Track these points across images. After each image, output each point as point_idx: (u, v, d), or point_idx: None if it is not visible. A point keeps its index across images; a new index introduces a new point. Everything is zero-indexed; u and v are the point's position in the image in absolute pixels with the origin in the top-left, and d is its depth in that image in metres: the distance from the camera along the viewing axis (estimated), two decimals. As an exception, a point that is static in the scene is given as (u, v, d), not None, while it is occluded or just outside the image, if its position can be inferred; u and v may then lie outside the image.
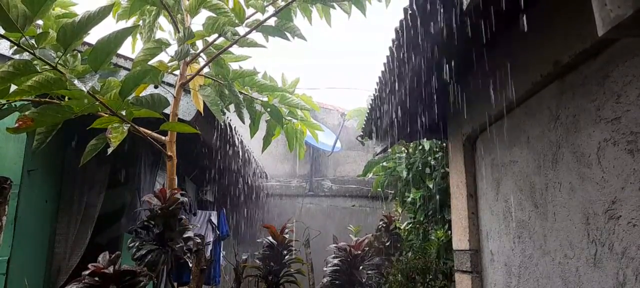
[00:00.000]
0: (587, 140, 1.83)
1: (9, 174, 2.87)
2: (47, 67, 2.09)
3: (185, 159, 4.90)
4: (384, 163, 5.26)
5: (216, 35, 2.98)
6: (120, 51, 2.46)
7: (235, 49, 3.20)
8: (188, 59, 3.15)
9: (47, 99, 2.47)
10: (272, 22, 3.00)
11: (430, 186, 4.28)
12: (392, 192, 5.57)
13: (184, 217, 2.97)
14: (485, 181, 2.95)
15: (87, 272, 2.32)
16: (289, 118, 3.75)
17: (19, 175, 3.39)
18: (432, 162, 4.48)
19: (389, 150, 4.94)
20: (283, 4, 3.00)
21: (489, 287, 2.87)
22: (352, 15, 3.21)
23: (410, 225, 4.68)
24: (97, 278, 2.29)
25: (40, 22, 2.67)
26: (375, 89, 3.42)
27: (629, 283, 1.59)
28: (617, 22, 1.06)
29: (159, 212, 2.83)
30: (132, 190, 4.37)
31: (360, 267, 4.31)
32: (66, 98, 2.35)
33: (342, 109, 9.36)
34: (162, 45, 2.79)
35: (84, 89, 1.94)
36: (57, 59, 2.11)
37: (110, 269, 2.32)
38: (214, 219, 6.44)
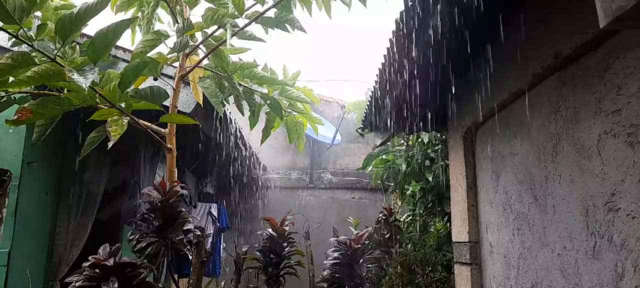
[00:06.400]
0: (587, 132, 1.82)
1: (9, 166, 2.87)
2: (45, 59, 2.08)
3: (185, 151, 4.89)
4: (384, 156, 5.26)
5: (215, 26, 2.96)
6: (119, 43, 2.45)
7: (235, 41, 3.19)
8: (187, 50, 3.14)
9: (46, 91, 2.47)
10: (271, 13, 2.98)
11: (430, 179, 4.29)
12: (392, 184, 5.57)
13: (184, 209, 2.98)
14: (485, 173, 2.95)
15: (87, 264, 2.32)
16: (289, 110, 3.74)
17: (19, 167, 3.39)
18: (432, 155, 4.48)
19: (389, 142, 4.94)
20: (282, -5, 2.98)
21: (488, 278, 2.88)
22: (352, 8, 3.19)
23: (410, 218, 4.69)
24: (97, 270, 2.30)
25: (38, 13, 2.66)
26: (375, 82, 3.41)
27: (627, 274, 1.59)
28: (619, 14, 1.05)
29: (159, 204, 2.84)
30: (132, 183, 4.37)
31: (361, 261, 4.32)
32: (65, 90, 2.34)
33: (342, 101, 9.32)
34: (161, 36, 2.78)
35: (84, 85, 1.92)
36: (56, 51, 2.10)
37: (111, 261, 2.33)
38: (214, 211, 6.44)
